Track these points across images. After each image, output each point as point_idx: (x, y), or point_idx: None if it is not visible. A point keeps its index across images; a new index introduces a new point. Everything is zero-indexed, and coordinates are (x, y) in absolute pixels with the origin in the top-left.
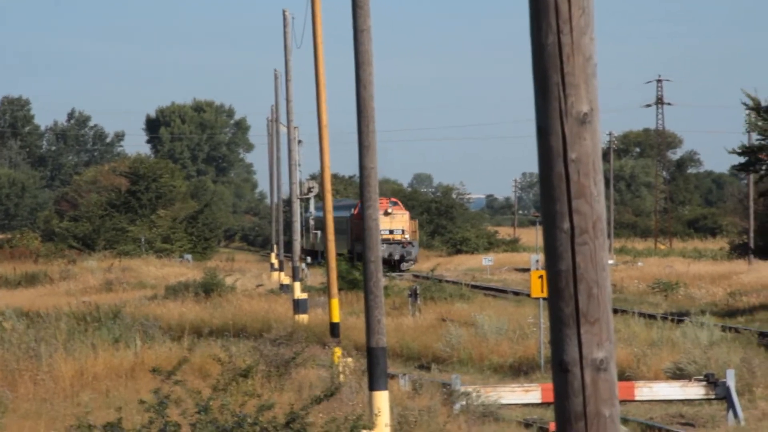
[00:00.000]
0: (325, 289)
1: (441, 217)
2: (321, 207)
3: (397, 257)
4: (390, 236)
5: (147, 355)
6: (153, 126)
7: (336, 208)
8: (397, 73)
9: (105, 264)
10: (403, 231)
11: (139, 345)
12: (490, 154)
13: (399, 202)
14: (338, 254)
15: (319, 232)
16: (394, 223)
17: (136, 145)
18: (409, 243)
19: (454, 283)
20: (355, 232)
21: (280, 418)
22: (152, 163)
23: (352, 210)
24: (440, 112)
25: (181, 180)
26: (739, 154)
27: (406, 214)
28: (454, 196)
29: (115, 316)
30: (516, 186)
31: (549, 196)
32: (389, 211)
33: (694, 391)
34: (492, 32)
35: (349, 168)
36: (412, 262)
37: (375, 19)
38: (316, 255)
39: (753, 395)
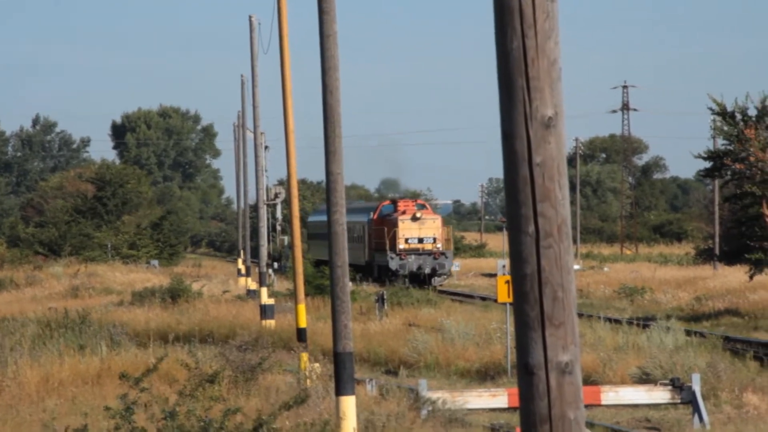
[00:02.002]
0: (292, 295)
1: None
2: (319, 211)
3: (427, 271)
4: (419, 246)
5: (113, 362)
6: (119, 132)
7: (349, 211)
8: (364, 78)
9: (71, 270)
10: (434, 239)
11: (105, 351)
12: (457, 159)
13: (428, 206)
14: (352, 266)
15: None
16: (423, 230)
17: (103, 150)
18: (442, 254)
19: (421, 288)
20: (376, 239)
21: (248, 423)
22: (118, 169)
23: (371, 214)
24: (407, 118)
25: (148, 186)
26: (705, 159)
27: (438, 219)
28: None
29: (81, 322)
30: (482, 191)
31: (514, 199)
32: (417, 215)
33: (660, 395)
34: (457, 37)
35: (317, 174)
36: (445, 276)
37: (342, 24)
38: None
39: (718, 399)
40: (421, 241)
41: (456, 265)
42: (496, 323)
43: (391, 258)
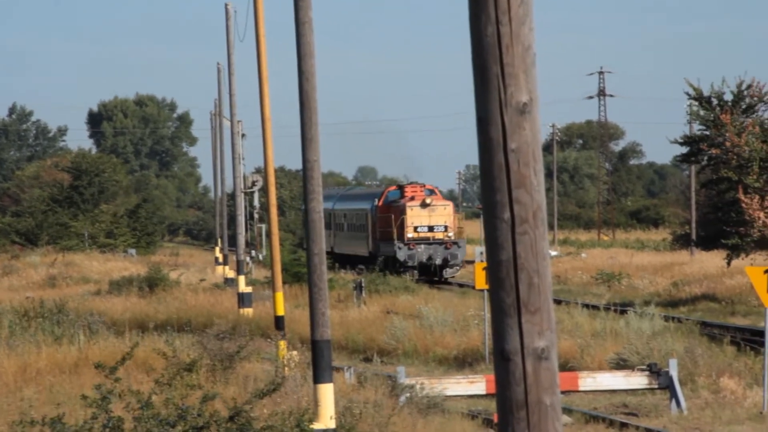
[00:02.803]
0: (270, 283)
1: None
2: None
3: (438, 261)
4: (429, 234)
5: (91, 351)
6: (95, 121)
7: (352, 197)
8: (342, 65)
9: (48, 259)
10: (446, 227)
11: (83, 340)
12: (434, 146)
13: (437, 191)
14: (354, 257)
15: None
16: (434, 217)
17: (79, 139)
18: (454, 243)
19: (399, 275)
20: (381, 228)
21: (225, 412)
22: (95, 158)
23: (376, 200)
24: (384, 105)
25: (124, 174)
26: (681, 144)
27: (450, 206)
28: None
29: (58, 311)
30: (460, 178)
31: (489, 186)
32: (427, 201)
33: (638, 380)
34: (434, 24)
35: (296, 162)
36: (457, 267)
37: (319, 11)
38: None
39: (695, 384)
40: (431, 229)
41: None
42: (474, 310)
43: (399, 248)
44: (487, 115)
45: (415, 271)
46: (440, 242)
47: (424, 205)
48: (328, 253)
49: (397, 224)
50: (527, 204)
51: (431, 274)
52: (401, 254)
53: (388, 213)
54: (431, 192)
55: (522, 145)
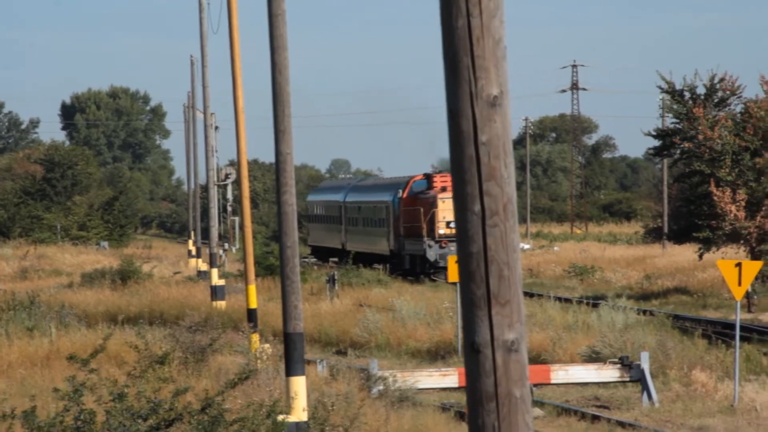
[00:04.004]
0: (243, 276)
1: None
2: (320, 189)
3: None
4: (448, 230)
5: (62, 343)
6: (69, 112)
7: (368, 189)
8: (314, 58)
9: (20, 252)
10: None
11: (55, 333)
12: (407, 139)
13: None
14: (372, 256)
15: (312, 225)
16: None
17: (52, 131)
18: None
19: (372, 268)
20: (406, 223)
21: (197, 404)
22: (68, 150)
23: (399, 192)
24: (357, 98)
25: (96, 167)
26: (654, 137)
27: None
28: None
29: (30, 304)
30: (433, 170)
31: (460, 178)
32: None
33: (609, 373)
34: (405, 18)
35: (270, 154)
36: None
37: (292, 4)
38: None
39: (667, 377)
40: (448, 225)
41: None
42: (448, 302)
43: (429, 246)
44: (457, 108)
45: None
46: None
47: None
48: (339, 251)
49: (426, 219)
50: (498, 196)
51: None
52: (431, 253)
53: (415, 206)
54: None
55: (492, 137)
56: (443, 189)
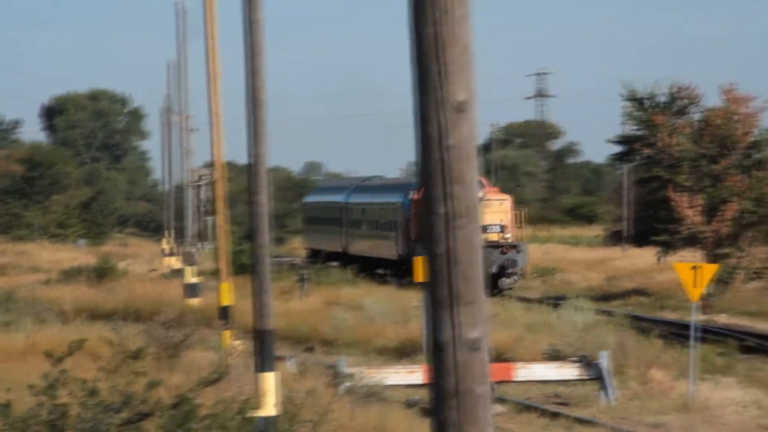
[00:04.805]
0: (217, 274)
1: None
2: (320, 189)
3: (494, 270)
4: (483, 236)
5: (38, 338)
6: (49, 114)
7: (374, 189)
8: (288, 62)
9: None
10: (502, 227)
11: (31, 328)
12: (378, 142)
13: (486, 182)
14: (380, 261)
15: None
16: (488, 214)
17: (32, 132)
18: (512, 247)
19: (342, 268)
20: (416, 226)
21: (170, 399)
22: (48, 150)
23: (410, 193)
24: (330, 102)
25: (75, 167)
26: (617, 143)
27: (507, 201)
28: None
29: (7, 299)
30: (402, 174)
31: (427, 181)
32: (480, 195)
33: (570, 372)
34: (375, 23)
35: (245, 156)
36: (516, 277)
37: (270, 7)
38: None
39: (625, 376)
40: (485, 229)
41: None
42: (415, 302)
43: None
44: (425, 113)
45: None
46: (495, 245)
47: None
48: (340, 254)
49: None
50: (462, 199)
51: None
52: None
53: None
54: (480, 183)
55: (459, 142)
56: None
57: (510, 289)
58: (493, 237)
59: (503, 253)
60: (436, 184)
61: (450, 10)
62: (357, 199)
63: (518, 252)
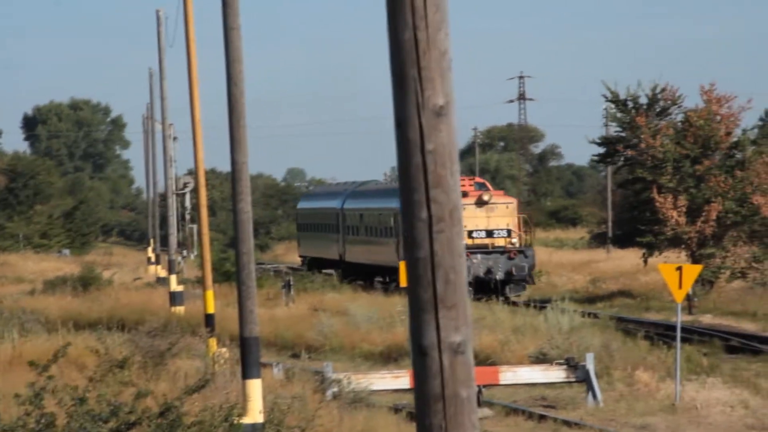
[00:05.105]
0: (201, 282)
1: None
2: (312, 195)
3: (500, 276)
4: (488, 241)
5: (25, 348)
6: (31, 124)
7: (372, 194)
8: (270, 68)
9: None
10: (509, 232)
11: (17, 338)
12: (361, 148)
13: (488, 184)
14: (376, 267)
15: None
16: (493, 219)
17: (14, 143)
18: (520, 252)
19: (327, 275)
20: None
21: (156, 407)
22: (30, 160)
23: None
24: (312, 108)
25: (58, 177)
26: (599, 144)
27: (513, 204)
28: None
29: None
30: (386, 179)
31: (407, 186)
32: (485, 198)
33: (556, 374)
34: (358, 29)
35: (227, 163)
36: (524, 284)
37: (247, 13)
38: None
39: (611, 377)
40: (490, 234)
41: None
42: (400, 307)
43: None
44: (405, 117)
45: (470, 289)
46: (502, 251)
47: (480, 202)
48: (337, 262)
49: None
50: (444, 203)
51: (490, 292)
52: None
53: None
54: (482, 186)
55: (439, 146)
56: (463, 194)
57: (518, 296)
58: (500, 242)
59: (510, 258)
60: (417, 188)
61: (427, 16)
62: (354, 204)
63: (525, 257)
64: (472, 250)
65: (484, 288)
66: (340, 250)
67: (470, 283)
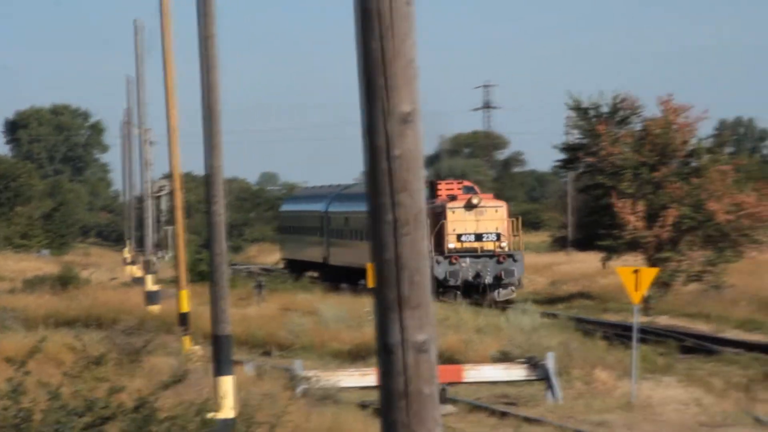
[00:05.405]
0: (176, 281)
1: None
2: (295, 198)
3: (489, 280)
4: (477, 244)
5: (3, 345)
6: (12, 128)
7: (357, 197)
8: (244, 73)
9: None
10: (498, 236)
11: None
12: (332, 153)
13: (476, 188)
14: (361, 270)
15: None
16: (483, 222)
17: None
18: (509, 256)
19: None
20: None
21: (131, 403)
22: (12, 163)
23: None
24: (284, 113)
25: (38, 179)
26: (562, 150)
27: (503, 207)
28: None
29: None
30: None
31: (374, 190)
32: (474, 202)
33: (517, 372)
34: (327, 36)
35: (202, 167)
36: (513, 288)
37: (223, 19)
38: (294, 267)
39: (570, 376)
40: (479, 238)
41: None
42: (368, 307)
43: (437, 262)
44: (372, 124)
45: (458, 293)
46: (491, 255)
47: (470, 206)
48: (320, 265)
49: (434, 231)
50: (409, 207)
51: (482, 294)
52: (440, 270)
53: (438, 216)
54: (470, 189)
55: (405, 152)
56: (452, 198)
57: (507, 301)
58: (489, 246)
59: (499, 262)
60: (384, 192)
61: (394, 26)
62: (339, 208)
63: (514, 261)
64: (461, 253)
65: (472, 291)
66: (323, 253)
67: (458, 287)
